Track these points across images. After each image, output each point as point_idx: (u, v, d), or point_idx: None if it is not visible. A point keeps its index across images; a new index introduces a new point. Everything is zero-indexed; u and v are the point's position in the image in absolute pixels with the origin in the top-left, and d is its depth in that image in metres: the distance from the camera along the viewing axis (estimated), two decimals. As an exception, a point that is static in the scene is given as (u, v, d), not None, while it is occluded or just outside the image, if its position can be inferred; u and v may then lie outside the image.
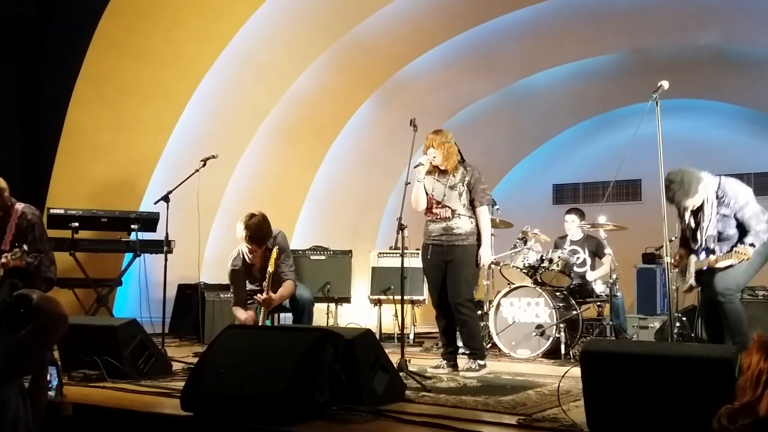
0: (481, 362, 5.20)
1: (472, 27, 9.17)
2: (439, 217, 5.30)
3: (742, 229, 4.71)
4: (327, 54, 8.95)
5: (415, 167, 5.24)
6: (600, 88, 10.85)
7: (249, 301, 5.46)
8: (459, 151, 5.36)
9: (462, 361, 5.32)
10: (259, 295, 5.28)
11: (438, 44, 9.44)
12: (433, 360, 5.67)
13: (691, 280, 4.87)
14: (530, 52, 9.98)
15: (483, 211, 5.30)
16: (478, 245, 5.28)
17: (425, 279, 5.71)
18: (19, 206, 5.50)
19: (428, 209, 5.37)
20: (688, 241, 4.98)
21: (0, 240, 5.39)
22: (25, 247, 5.11)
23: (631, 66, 10.15)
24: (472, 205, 5.29)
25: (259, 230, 5.25)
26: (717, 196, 4.71)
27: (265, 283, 5.27)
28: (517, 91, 10.86)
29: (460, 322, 5.24)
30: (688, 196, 4.65)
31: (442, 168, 5.30)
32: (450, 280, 5.23)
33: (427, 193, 5.35)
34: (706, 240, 4.79)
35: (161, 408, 3.77)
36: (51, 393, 2.80)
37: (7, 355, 2.44)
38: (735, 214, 4.70)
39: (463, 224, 5.24)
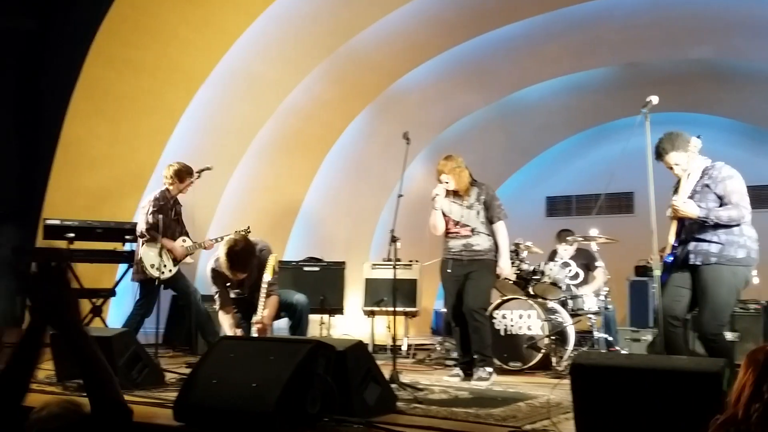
0: (490, 369, 5.34)
1: (465, 41, 9.25)
2: (459, 234, 5.47)
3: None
4: (321, 67, 9.01)
5: (433, 198, 5.42)
6: (593, 101, 10.92)
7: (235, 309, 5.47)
8: (470, 174, 5.54)
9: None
10: (254, 321, 5.21)
11: (431, 58, 9.51)
12: (426, 372, 5.70)
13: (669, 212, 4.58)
14: (523, 66, 10.05)
15: (500, 226, 5.51)
16: (496, 260, 5.47)
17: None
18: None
19: (446, 229, 5.53)
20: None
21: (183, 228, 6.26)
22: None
23: (624, 80, 10.22)
24: (489, 222, 5.46)
25: (239, 258, 5.20)
26: (704, 170, 4.61)
27: (260, 306, 5.17)
28: (509, 104, 10.92)
29: (472, 328, 5.38)
30: (673, 147, 4.58)
31: (456, 191, 5.46)
32: (467, 289, 5.39)
33: (444, 215, 5.50)
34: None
35: (154, 418, 3.77)
36: None
37: None
38: (717, 187, 4.49)
39: (482, 241, 5.43)
